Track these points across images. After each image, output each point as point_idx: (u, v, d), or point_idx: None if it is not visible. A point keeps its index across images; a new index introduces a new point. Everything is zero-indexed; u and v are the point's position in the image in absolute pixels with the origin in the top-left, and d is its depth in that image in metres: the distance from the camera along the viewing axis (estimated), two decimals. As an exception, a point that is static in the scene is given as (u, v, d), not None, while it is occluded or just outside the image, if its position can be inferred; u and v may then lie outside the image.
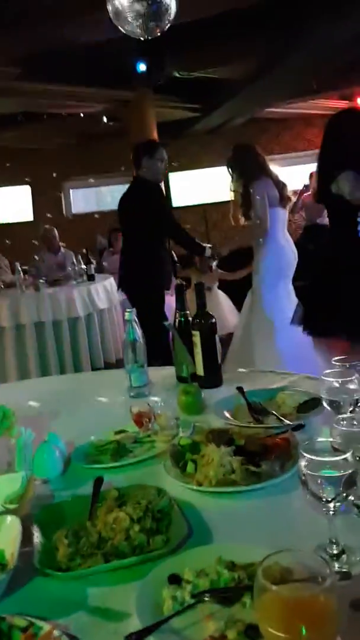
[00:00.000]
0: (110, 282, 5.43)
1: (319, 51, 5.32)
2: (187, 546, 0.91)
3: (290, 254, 3.84)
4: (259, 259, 3.82)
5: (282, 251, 3.80)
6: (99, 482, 1.06)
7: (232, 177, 3.94)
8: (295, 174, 8.60)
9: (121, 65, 5.53)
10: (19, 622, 0.74)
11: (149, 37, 3.44)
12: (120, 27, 3.45)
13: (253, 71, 6.24)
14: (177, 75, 6.06)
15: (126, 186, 4.12)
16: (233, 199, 4.06)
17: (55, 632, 0.73)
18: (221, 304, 4.52)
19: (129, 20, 3.33)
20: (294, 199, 7.11)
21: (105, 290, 5.19)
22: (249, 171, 3.78)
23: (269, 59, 5.86)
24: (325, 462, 0.81)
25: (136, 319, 1.77)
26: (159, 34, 3.53)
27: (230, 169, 3.94)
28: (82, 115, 7.44)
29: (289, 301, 3.80)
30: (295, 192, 7.24)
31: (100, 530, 0.93)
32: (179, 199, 9.78)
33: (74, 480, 1.19)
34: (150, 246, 3.77)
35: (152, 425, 1.36)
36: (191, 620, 0.75)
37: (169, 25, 3.52)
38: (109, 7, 3.31)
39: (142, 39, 3.53)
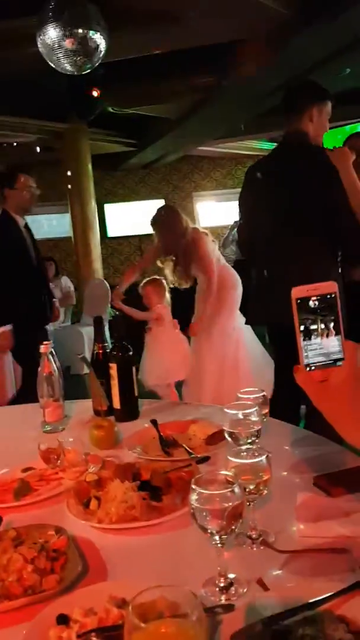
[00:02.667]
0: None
1: (246, 96, 5.60)
2: (82, 585, 0.91)
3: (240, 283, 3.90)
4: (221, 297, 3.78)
5: (237, 283, 3.87)
6: (-4, 522, 1.04)
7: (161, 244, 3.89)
8: (226, 209, 8.91)
9: (55, 98, 5.58)
10: None
11: (79, 73, 3.52)
12: (50, 63, 3.52)
13: (185, 111, 6.46)
14: (112, 110, 6.18)
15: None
16: (164, 265, 3.99)
17: None
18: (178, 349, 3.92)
19: (59, 56, 3.40)
20: (225, 233, 7.33)
21: (35, 321, 5.08)
22: (180, 238, 3.74)
23: (200, 100, 6.10)
24: (213, 495, 0.83)
25: (53, 352, 1.76)
26: (89, 70, 3.62)
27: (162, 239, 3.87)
28: (15, 144, 7.40)
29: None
30: (226, 227, 7.48)
31: (-7, 572, 0.91)
32: (114, 230, 9.84)
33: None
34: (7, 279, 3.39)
35: (61, 461, 1.35)
36: (75, 661, 0.74)
37: (98, 62, 3.63)
38: (39, 43, 3.37)
39: (71, 73, 3.61)
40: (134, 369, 1.78)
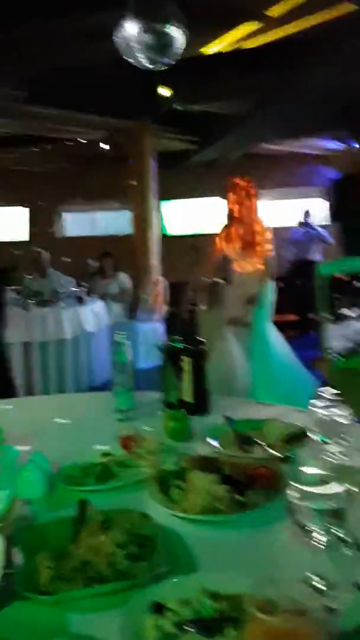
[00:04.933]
0: (100, 306, 5.44)
1: (312, 94, 5.49)
2: (170, 574, 0.90)
3: None
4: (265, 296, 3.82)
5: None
6: (84, 504, 1.04)
7: None
8: (286, 209, 8.82)
9: (123, 95, 5.64)
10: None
11: (155, 69, 3.53)
12: (126, 57, 3.53)
13: (250, 108, 6.41)
14: (177, 107, 6.19)
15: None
16: None
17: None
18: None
19: (136, 51, 3.41)
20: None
21: (94, 314, 5.19)
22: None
23: (265, 97, 6.03)
24: (315, 494, 0.81)
25: (128, 342, 1.77)
26: (165, 66, 3.61)
27: None
28: (80, 140, 7.53)
29: None
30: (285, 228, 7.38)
31: (84, 554, 0.92)
32: (170, 228, 9.89)
33: (56, 502, 1.17)
34: None
35: (138, 449, 1.35)
36: (173, 650, 0.73)
37: (176, 58, 3.61)
38: (116, 37, 3.40)
39: (148, 69, 3.61)
40: (206, 363, 1.77)
